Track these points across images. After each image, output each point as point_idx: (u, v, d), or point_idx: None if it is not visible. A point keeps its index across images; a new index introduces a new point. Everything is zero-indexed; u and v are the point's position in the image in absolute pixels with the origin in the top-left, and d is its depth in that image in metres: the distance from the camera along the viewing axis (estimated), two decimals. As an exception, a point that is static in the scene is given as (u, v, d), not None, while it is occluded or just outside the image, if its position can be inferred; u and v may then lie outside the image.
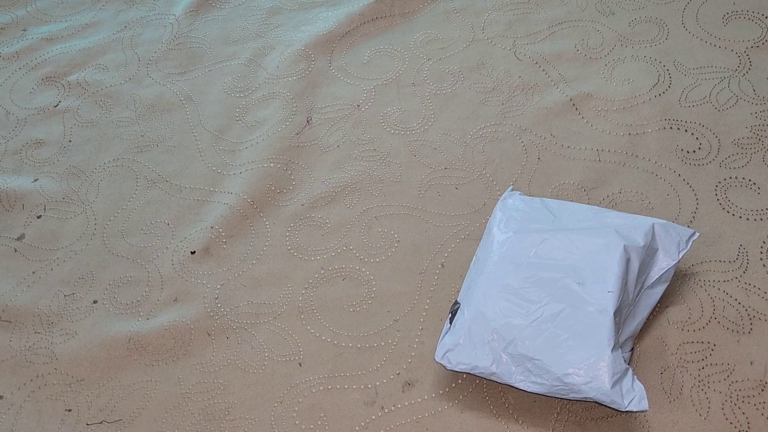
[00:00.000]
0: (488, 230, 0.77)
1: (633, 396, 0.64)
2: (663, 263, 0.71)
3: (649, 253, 0.70)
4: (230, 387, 0.77)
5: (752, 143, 0.86)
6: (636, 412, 0.65)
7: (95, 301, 0.86)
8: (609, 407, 0.67)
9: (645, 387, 0.66)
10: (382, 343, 0.78)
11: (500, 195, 0.85)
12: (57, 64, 1.12)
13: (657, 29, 0.99)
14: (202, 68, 1.08)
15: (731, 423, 0.68)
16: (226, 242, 0.88)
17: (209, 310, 0.83)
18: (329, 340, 0.79)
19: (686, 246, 0.72)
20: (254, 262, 0.86)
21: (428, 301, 0.80)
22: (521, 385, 0.67)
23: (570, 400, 0.70)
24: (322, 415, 0.74)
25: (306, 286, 0.83)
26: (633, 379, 0.65)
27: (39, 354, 0.82)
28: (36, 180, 0.98)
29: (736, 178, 0.83)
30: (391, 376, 0.75)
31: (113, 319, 0.84)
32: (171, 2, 1.19)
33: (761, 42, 0.94)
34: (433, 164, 0.91)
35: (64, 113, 1.06)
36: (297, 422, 0.74)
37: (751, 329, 0.72)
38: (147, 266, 0.88)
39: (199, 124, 1.01)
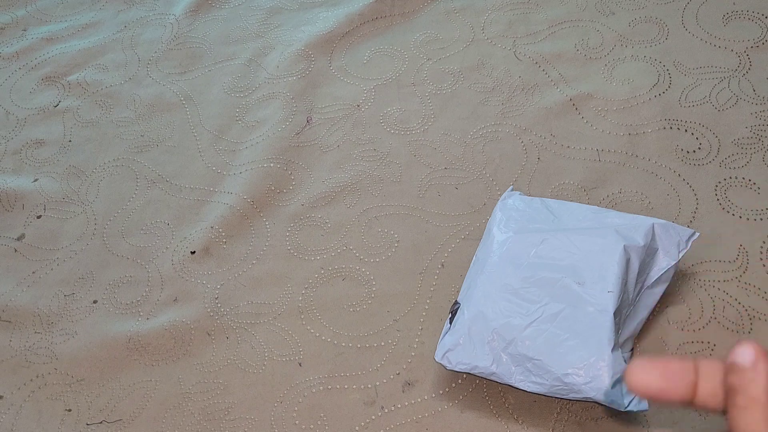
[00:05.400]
0: (488, 230, 0.77)
1: (633, 396, 0.64)
2: (663, 263, 0.71)
3: (649, 253, 0.70)
4: (230, 387, 0.77)
5: (752, 143, 0.86)
6: (636, 412, 0.65)
7: (95, 301, 0.86)
8: (609, 407, 0.67)
9: (645, 387, 0.66)
10: (382, 343, 0.78)
11: (500, 195, 0.85)
12: (57, 64, 1.13)
13: (657, 29, 0.99)
14: (202, 68, 1.08)
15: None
16: (226, 242, 0.88)
17: (209, 310, 0.83)
18: (329, 340, 0.79)
19: (686, 246, 0.72)
20: (254, 262, 0.86)
21: (428, 301, 0.80)
22: (521, 385, 0.67)
23: (570, 400, 0.70)
24: (322, 415, 0.74)
25: (306, 286, 0.83)
26: (633, 379, 0.65)
27: (39, 354, 0.82)
28: (36, 180, 0.98)
29: (736, 178, 0.83)
30: (391, 376, 0.75)
31: (113, 319, 0.84)
32: (171, 2, 1.19)
33: (761, 42, 0.94)
34: (433, 164, 0.91)
35: (64, 113, 1.06)
36: (297, 422, 0.74)
37: (751, 329, 0.72)
38: (147, 266, 0.88)
39: (199, 124, 1.01)
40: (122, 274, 0.88)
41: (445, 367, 0.71)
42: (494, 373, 0.68)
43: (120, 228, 0.92)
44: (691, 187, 0.83)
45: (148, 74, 1.09)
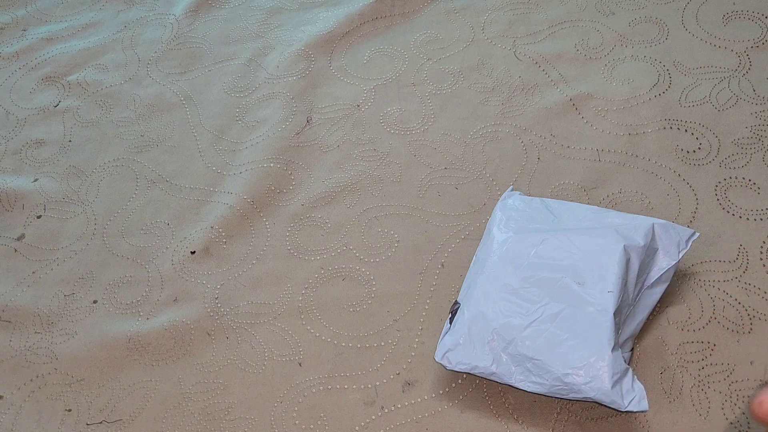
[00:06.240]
0: (488, 230, 0.77)
1: (633, 396, 0.64)
2: (663, 263, 0.71)
3: (649, 253, 0.70)
4: (230, 387, 0.77)
5: (752, 143, 0.86)
6: (636, 412, 0.65)
7: (95, 301, 0.86)
8: (609, 407, 0.67)
9: (645, 387, 0.66)
10: (382, 343, 0.78)
11: (500, 195, 0.85)
12: (57, 64, 1.12)
13: (657, 29, 0.99)
14: (202, 68, 1.08)
15: (731, 423, 0.68)
16: (226, 242, 0.88)
17: (209, 310, 0.83)
18: (329, 340, 0.79)
19: (686, 246, 0.72)
20: (254, 262, 0.86)
21: (428, 301, 0.80)
22: (521, 385, 0.67)
23: (570, 400, 0.70)
24: (322, 415, 0.74)
25: (306, 286, 0.83)
26: (633, 379, 0.65)
27: (39, 354, 0.82)
28: (36, 180, 0.98)
29: (736, 178, 0.83)
30: (391, 376, 0.75)
31: (113, 319, 0.84)
32: (171, 2, 1.19)
33: (761, 42, 0.94)
34: (433, 164, 0.91)
35: (64, 113, 1.06)
36: (297, 422, 0.74)
37: (751, 329, 0.72)
38: (147, 266, 0.88)
39: (199, 124, 1.01)
40: (122, 274, 0.88)
41: (445, 367, 0.71)
42: (494, 373, 0.68)
43: (120, 228, 0.92)
44: (691, 187, 0.83)
45: (148, 74, 1.09)
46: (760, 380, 0.69)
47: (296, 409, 0.74)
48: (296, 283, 0.83)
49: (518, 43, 1.02)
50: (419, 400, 0.73)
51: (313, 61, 1.05)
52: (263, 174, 0.93)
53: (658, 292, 0.72)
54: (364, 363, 0.77)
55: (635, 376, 0.66)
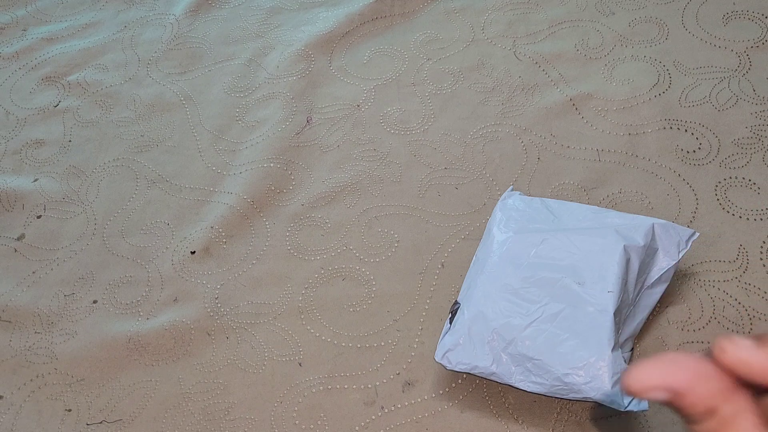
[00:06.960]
0: (488, 230, 0.77)
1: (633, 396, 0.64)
2: (663, 263, 0.71)
3: (649, 253, 0.70)
4: (230, 387, 0.77)
5: (752, 143, 0.86)
6: (636, 412, 0.65)
7: (95, 301, 0.86)
8: (609, 407, 0.67)
9: (645, 387, 0.66)
10: (382, 343, 0.78)
11: (500, 195, 0.85)
12: (57, 64, 1.13)
13: (657, 29, 0.99)
14: (202, 68, 1.08)
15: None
16: (226, 242, 0.88)
17: (209, 310, 0.83)
18: (329, 340, 0.79)
19: (686, 246, 0.72)
20: (254, 262, 0.86)
21: (428, 301, 0.80)
22: (521, 385, 0.67)
23: (570, 400, 0.70)
24: (322, 415, 0.74)
25: (306, 286, 0.83)
26: (633, 379, 0.65)
27: (39, 354, 0.82)
28: (36, 180, 0.98)
29: (736, 178, 0.83)
30: (391, 376, 0.75)
31: (113, 319, 0.84)
32: (171, 2, 1.19)
33: (761, 42, 0.94)
34: (433, 164, 0.91)
35: (64, 113, 1.06)
36: (297, 422, 0.74)
37: (751, 329, 0.72)
38: (147, 266, 0.88)
39: (199, 124, 1.01)
40: (122, 274, 0.88)
41: (445, 367, 0.71)
42: (494, 373, 0.68)
43: (120, 228, 0.92)
44: (691, 187, 0.83)
45: (148, 74, 1.09)
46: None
47: (296, 409, 0.75)
48: (296, 283, 0.83)
49: (518, 43, 1.02)
50: (419, 400, 0.73)
51: (313, 61, 1.05)
52: (263, 174, 0.93)
53: (658, 292, 0.72)
54: (364, 363, 0.77)
55: (635, 376, 0.65)
